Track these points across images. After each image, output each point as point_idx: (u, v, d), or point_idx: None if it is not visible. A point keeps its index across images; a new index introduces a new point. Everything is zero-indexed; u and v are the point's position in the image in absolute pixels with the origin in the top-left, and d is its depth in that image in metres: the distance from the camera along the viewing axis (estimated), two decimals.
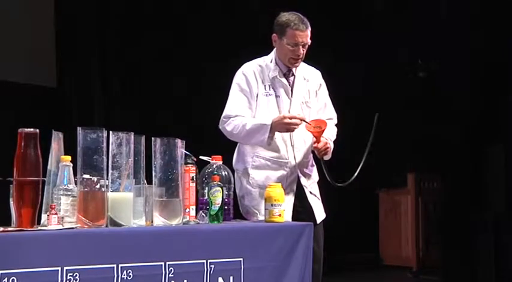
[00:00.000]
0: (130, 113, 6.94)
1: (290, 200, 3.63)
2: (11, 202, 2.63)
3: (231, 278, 2.82)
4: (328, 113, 3.88)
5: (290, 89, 3.73)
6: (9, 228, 2.51)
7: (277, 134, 3.64)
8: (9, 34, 6.47)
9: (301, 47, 3.63)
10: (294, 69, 3.75)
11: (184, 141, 2.93)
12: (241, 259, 2.86)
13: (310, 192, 3.75)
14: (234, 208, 3.38)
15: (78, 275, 2.44)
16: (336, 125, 3.92)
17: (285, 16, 3.67)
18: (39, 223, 2.64)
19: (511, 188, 5.98)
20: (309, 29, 3.65)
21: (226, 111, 3.70)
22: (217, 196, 3.02)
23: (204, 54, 7.21)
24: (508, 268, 5.95)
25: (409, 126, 7.93)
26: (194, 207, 3.03)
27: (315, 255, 3.28)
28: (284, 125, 3.54)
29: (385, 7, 7.83)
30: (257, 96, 3.69)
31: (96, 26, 7.02)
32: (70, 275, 2.42)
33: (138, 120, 6.72)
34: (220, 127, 3.70)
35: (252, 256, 2.89)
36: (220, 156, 3.31)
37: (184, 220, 2.92)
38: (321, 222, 3.73)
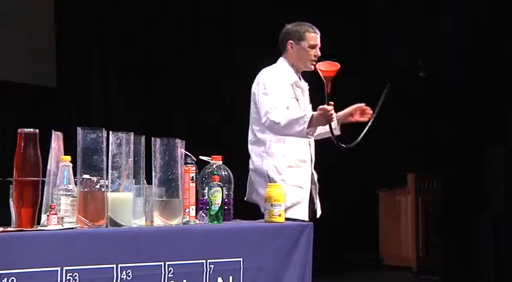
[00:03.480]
0: (130, 113, 6.94)
1: (307, 197, 3.86)
2: (11, 202, 2.63)
3: (231, 278, 2.82)
4: None
5: (303, 92, 3.99)
6: (9, 228, 2.51)
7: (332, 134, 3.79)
8: (9, 34, 6.47)
9: (317, 48, 3.95)
10: (299, 74, 4.00)
11: (184, 141, 2.93)
12: (241, 259, 2.86)
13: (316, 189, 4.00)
14: (234, 208, 3.38)
15: (77, 275, 2.44)
16: None
17: (298, 24, 3.99)
18: (39, 223, 2.63)
19: (511, 188, 5.98)
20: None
21: (270, 103, 3.78)
22: (217, 196, 3.02)
23: (204, 54, 7.21)
24: (508, 268, 5.95)
25: (409, 126, 7.93)
26: (194, 207, 3.03)
27: None
28: (325, 116, 3.64)
29: (385, 7, 7.83)
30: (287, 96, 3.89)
31: (96, 26, 7.02)
32: (70, 275, 2.42)
33: (138, 120, 6.72)
34: (265, 118, 3.75)
35: (252, 256, 2.89)
36: (220, 156, 3.30)
37: (184, 220, 2.91)
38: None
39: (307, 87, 4.06)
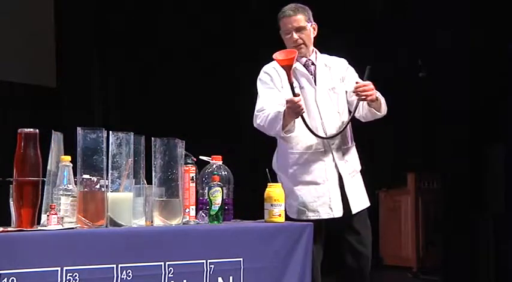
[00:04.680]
0: (130, 113, 6.94)
1: (336, 191, 3.67)
2: (11, 202, 2.63)
3: (231, 278, 2.83)
4: None
5: (313, 78, 3.72)
6: (9, 228, 2.51)
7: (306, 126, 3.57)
8: (9, 34, 6.47)
9: (293, 32, 3.65)
10: (313, 59, 3.74)
11: (184, 141, 2.93)
12: (241, 259, 2.86)
13: (349, 180, 3.79)
14: (234, 208, 3.38)
15: (77, 275, 2.44)
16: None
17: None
18: (39, 223, 2.64)
19: (511, 188, 5.98)
20: (300, 14, 3.66)
21: (258, 106, 3.64)
22: (217, 196, 3.02)
23: (203, 55, 7.21)
24: (508, 268, 5.94)
25: (409, 126, 7.92)
26: (194, 207, 3.04)
27: (361, 254, 3.87)
28: (293, 109, 3.43)
29: (385, 7, 7.83)
30: (283, 89, 3.64)
31: (96, 26, 7.02)
32: (70, 275, 2.42)
33: (138, 120, 6.72)
34: (254, 124, 3.66)
35: (252, 256, 2.89)
36: (220, 156, 3.31)
37: (184, 220, 2.92)
38: (360, 213, 3.90)
39: (327, 68, 3.76)
